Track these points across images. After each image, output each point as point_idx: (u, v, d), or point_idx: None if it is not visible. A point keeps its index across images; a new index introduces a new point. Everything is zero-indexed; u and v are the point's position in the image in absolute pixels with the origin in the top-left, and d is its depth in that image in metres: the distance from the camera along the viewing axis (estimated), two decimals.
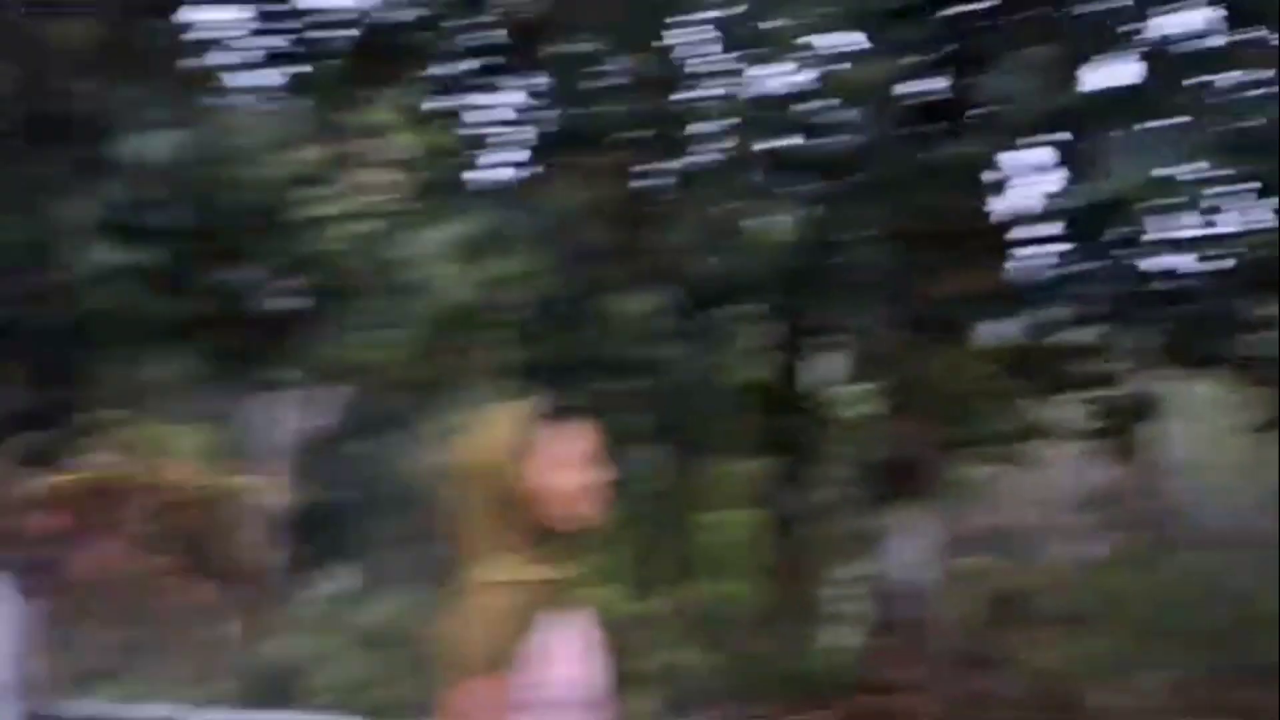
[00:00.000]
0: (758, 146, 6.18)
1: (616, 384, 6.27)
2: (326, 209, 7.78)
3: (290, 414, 10.40)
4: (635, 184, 6.79)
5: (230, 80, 7.27)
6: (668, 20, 6.75)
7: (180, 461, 5.08)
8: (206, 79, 7.03)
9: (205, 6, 7.28)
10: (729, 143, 6.37)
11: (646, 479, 6.55)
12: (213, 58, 7.08)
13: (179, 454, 5.16)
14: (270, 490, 10.41)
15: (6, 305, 6.14)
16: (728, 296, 6.11)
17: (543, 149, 7.26)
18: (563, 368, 6.36)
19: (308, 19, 7.24)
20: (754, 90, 6.22)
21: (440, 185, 7.40)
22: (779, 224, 6.70)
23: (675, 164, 6.84)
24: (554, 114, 7.27)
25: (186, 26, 6.68)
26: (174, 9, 6.60)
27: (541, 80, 7.30)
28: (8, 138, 6.16)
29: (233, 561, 8.13)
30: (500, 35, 7.31)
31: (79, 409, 5.78)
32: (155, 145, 4.92)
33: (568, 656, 1.87)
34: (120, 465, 4.63)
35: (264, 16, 7.18)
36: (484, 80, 7.35)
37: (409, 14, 7.06)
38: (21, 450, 5.57)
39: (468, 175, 7.32)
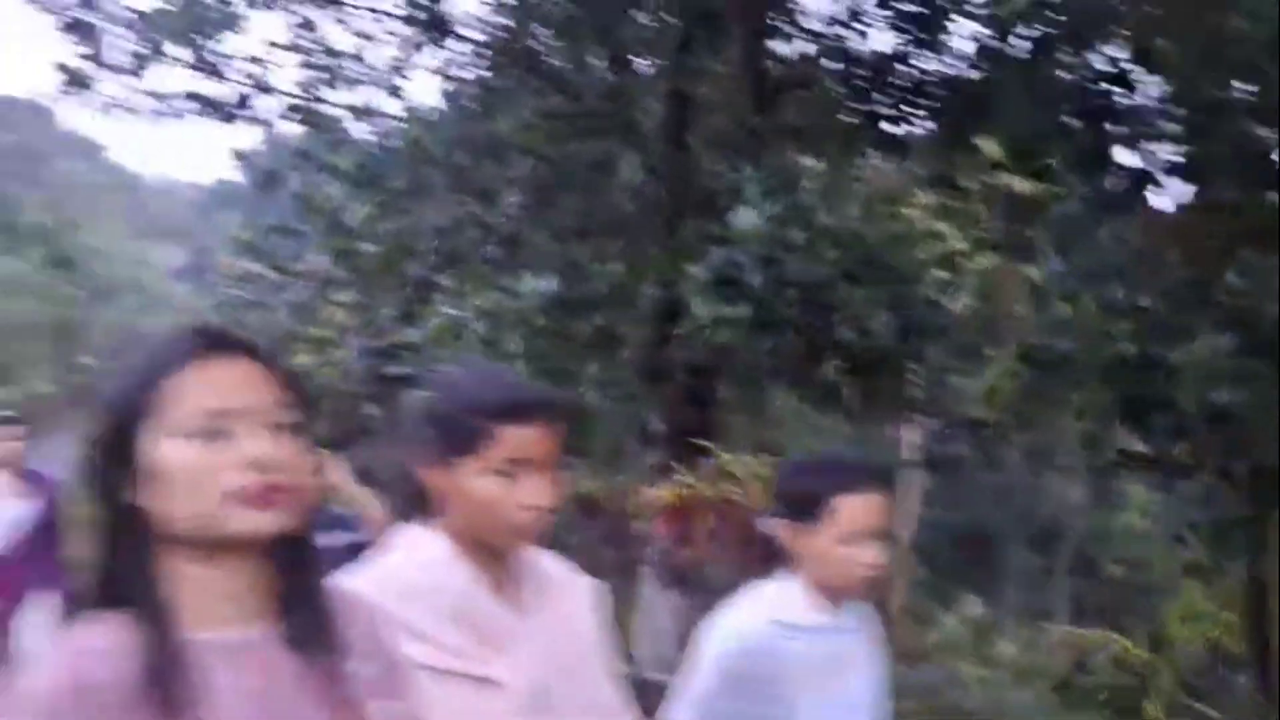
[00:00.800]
0: None
1: (1208, 432, 6.00)
2: (927, 252, 8.31)
3: (900, 448, 11.02)
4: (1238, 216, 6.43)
5: (845, 143, 8.15)
6: None
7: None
8: (843, 149, 7.97)
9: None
10: None
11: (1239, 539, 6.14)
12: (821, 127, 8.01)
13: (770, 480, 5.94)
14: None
15: (651, 347, 7.53)
16: None
17: (1144, 184, 7.15)
18: (1148, 412, 6.23)
19: (905, 77, 7.89)
20: None
21: (1034, 225, 7.57)
22: None
23: None
24: (1157, 146, 7.13)
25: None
26: (780, 94, 7.59)
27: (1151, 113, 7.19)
28: (653, 211, 7.56)
29: None
30: (1105, 70, 7.34)
31: (697, 434, 6.90)
32: (752, 217, 5.83)
33: None
34: (720, 483, 5.51)
35: (866, 79, 7.96)
36: (1081, 115, 7.41)
37: (1000, 63, 7.39)
38: (652, 465, 6.84)
39: (1063, 213, 7.41)
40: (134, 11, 7.51)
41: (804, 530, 2.20)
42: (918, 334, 7.59)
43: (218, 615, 1.30)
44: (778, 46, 8.20)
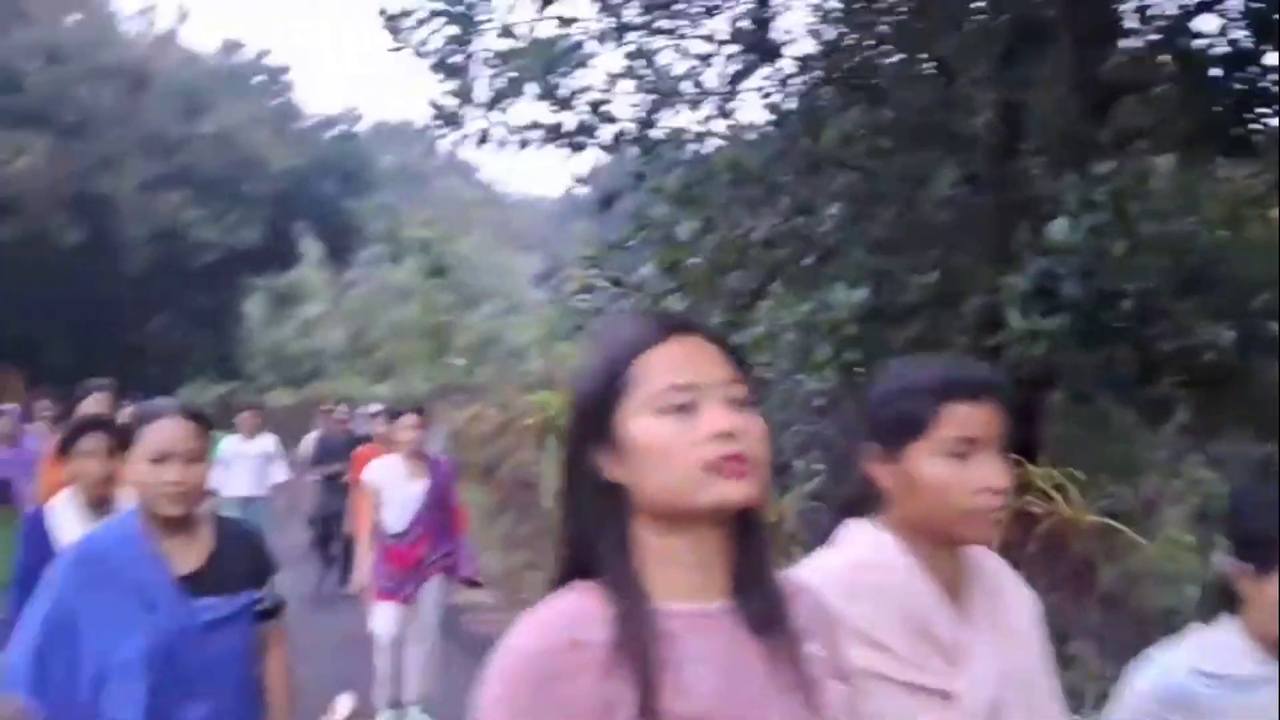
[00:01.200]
0: None
1: None
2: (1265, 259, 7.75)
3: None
4: None
5: (1187, 147, 7.77)
6: None
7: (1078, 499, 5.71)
8: (1186, 154, 7.63)
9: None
10: None
11: None
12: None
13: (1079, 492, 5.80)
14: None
15: (971, 358, 7.50)
16: None
17: None
18: None
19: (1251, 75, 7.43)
20: None
21: None
22: None
23: None
24: None
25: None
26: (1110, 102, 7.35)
27: None
28: (974, 220, 7.54)
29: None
30: None
31: (1020, 444, 6.82)
32: (1066, 227, 5.76)
33: None
34: (1023, 495, 5.47)
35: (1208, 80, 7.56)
36: None
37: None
38: None
39: None
40: (499, 54, 8.39)
41: (1256, 574, 1.95)
42: (1265, 347, 7.12)
43: (684, 586, 1.33)
44: (1111, 49, 7.93)
